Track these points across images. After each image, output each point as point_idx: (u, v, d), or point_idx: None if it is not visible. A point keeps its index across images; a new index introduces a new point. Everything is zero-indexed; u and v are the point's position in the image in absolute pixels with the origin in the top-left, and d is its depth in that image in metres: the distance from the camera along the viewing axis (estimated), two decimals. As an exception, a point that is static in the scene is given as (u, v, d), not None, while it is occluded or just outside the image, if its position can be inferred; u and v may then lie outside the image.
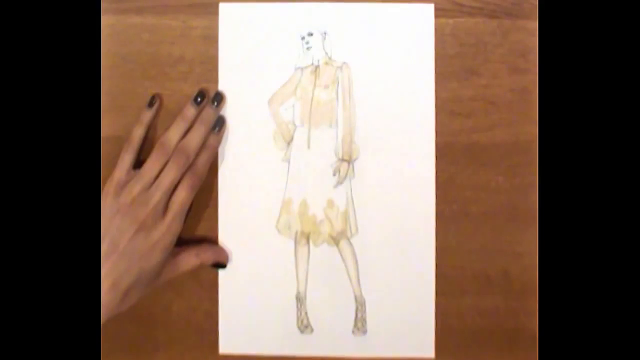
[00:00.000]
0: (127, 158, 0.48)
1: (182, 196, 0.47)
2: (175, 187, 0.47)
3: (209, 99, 0.50)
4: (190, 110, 0.49)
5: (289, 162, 0.51)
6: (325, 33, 0.51)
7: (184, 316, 0.52)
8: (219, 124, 0.50)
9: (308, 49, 0.51)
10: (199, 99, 0.50)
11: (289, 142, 0.51)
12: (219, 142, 0.50)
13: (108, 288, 0.45)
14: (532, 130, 0.50)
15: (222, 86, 0.51)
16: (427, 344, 0.51)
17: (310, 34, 0.51)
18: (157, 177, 0.47)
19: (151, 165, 0.47)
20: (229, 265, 0.51)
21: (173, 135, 0.48)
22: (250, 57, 0.51)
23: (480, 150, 0.50)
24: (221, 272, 0.51)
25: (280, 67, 0.51)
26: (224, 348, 0.51)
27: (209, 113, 0.50)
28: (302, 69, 0.51)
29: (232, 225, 0.51)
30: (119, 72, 0.51)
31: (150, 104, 0.50)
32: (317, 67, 0.51)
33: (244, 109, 0.51)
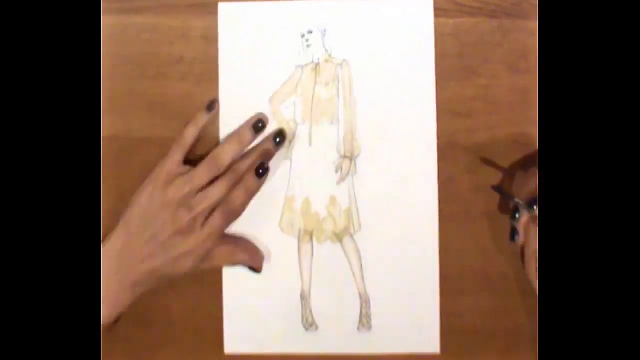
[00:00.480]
0: (178, 154, 0.48)
1: (218, 223, 0.47)
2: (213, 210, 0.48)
3: (265, 128, 0.50)
4: (247, 134, 0.49)
5: (291, 160, 0.51)
6: (325, 30, 0.51)
7: (184, 316, 0.52)
8: (263, 170, 0.49)
9: (308, 46, 0.51)
10: (259, 126, 0.50)
11: (291, 140, 0.51)
12: (259, 188, 0.49)
13: (146, 272, 0.46)
14: (532, 130, 0.50)
15: (222, 86, 0.51)
16: (432, 340, 0.51)
17: (310, 32, 0.51)
18: (204, 187, 0.47)
19: (202, 174, 0.48)
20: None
21: (228, 152, 0.49)
22: (251, 56, 0.51)
23: (480, 150, 0.50)
24: (225, 271, 0.51)
25: (281, 66, 0.51)
26: (229, 348, 0.51)
27: (268, 147, 0.50)
28: (302, 66, 0.51)
29: (235, 224, 0.51)
30: (119, 72, 0.51)
31: (210, 109, 0.50)
32: (317, 64, 0.51)
33: (245, 108, 0.51)
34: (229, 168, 0.48)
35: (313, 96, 0.51)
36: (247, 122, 0.50)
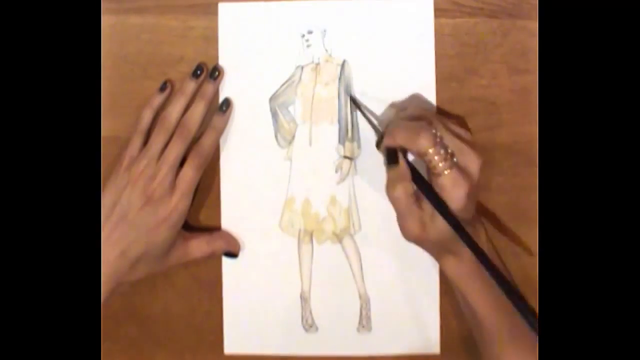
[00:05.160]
0: (137, 139, 0.49)
1: (189, 175, 0.48)
2: (182, 166, 0.48)
3: (208, 72, 0.50)
4: (190, 85, 0.50)
5: (291, 161, 0.51)
6: (325, 31, 0.51)
7: (184, 316, 0.52)
8: (225, 105, 0.50)
9: (308, 46, 0.51)
10: (198, 72, 0.50)
11: (291, 141, 0.51)
12: (225, 123, 0.50)
13: (117, 255, 0.46)
14: (532, 130, 0.50)
15: (222, 86, 0.51)
16: (432, 340, 0.51)
17: (310, 32, 0.51)
18: (162, 152, 0.48)
19: (155, 140, 0.48)
20: (232, 265, 0.51)
21: (173, 109, 0.49)
22: (251, 57, 0.51)
23: (480, 150, 0.50)
24: (225, 272, 0.51)
25: (281, 66, 0.51)
26: (229, 348, 0.51)
27: (208, 87, 0.50)
28: (302, 66, 0.51)
29: (235, 224, 0.51)
30: (119, 72, 0.51)
31: (162, 89, 0.50)
32: (317, 64, 0.51)
33: (245, 109, 0.51)
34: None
35: (313, 96, 0.51)
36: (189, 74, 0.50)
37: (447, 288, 0.50)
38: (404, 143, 0.44)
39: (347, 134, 0.51)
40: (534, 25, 0.50)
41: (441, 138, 0.44)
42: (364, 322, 0.51)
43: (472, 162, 0.44)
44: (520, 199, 0.51)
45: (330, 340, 0.51)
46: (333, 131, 0.51)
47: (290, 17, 0.51)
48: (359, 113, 0.51)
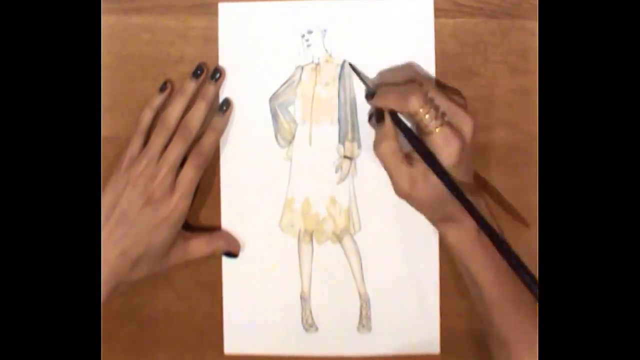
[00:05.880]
0: (137, 139, 0.49)
1: (189, 175, 0.48)
2: (182, 166, 0.48)
3: (208, 73, 0.50)
4: (190, 85, 0.50)
5: (290, 161, 0.51)
6: (325, 30, 0.51)
7: (184, 316, 0.52)
8: (225, 105, 0.50)
9: (308, 46, 0.51)
10: (198, 73, 0.50)
11: (291, 141, 0.51)
12: (225, 123, 0.50)
13: (117, 255, 0.46)
14: (532, 130, 0.50)
15: (222, 86, 0.51)
16: (432, 340, 0.51)
17: (310, 32, 0.51)
18: (162, 152, 0.48)
19: (155, 140, 0.48)
20: (232, 265, 0.51)
21: (173, 110, 0.49)
22: (250, 57, 0.51)
23: (480, 150, 0.50)
24: (225, 272, 0.51)
25: (281, 66, 0.51)
26: (228, 348, 0.51)
27: (209, 88, 0.50)
28: (302, 67, 0.51)
29: (235, 224, 0.51)
30: (119, 72, 0.51)
31: (162, 89, 0.50)
32: (317, 64, 0.51)
33: (245, 109, 0.51)
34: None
35: (313, 96, 0.51)
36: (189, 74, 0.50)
37: (447, 288, 0.50)
38: (394, 105, 0.46)
39: (347, 134, 0.51)
40: (534, 25, 0.50)
41: (432, 99, 0.45)
42: (364, 322, 0.51)
43: (464, 123, 0.45)
44: (520, 199, 0.51)
45: (330, 340, 0.51)
46: (333, 131, 0.51)
47: (290, 17, 0.51)
48: (359, 113, 0.51)
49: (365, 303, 0.51)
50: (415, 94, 0.44)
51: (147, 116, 0.50)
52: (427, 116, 0.44)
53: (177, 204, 0.47)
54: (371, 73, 0.51)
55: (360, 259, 0.51)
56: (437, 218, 0.47)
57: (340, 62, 0.51)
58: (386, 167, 0.46)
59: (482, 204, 0.47)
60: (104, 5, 0.50)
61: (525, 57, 0.50)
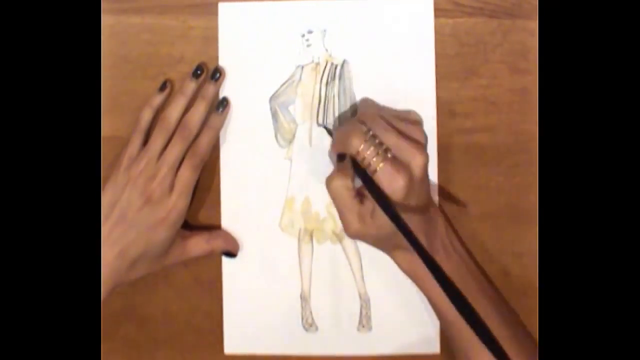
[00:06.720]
0: (136, 139, 0.49)
1: (186, 175, 0.48)
2: (179, 167, 0.48)
3: (208, 73, 0.50)
4: (190, 85, 0.50)
5: (291, 160, 0.51)
6: (325, 30, 0.51)
7: (184, 316, 0.52)
8: (223, 104, 0.50)
9: (308, 46, 0.51)
10: (198, 72, 0.50)
11: (291, 140, 0.51)
12: (222, 122, 0.50)
13: (116, 255, 0.46)
14: (532, 130, 0.50)
15: (222, 85, 0.51)
16: (432, 340, 0.51)
17: (310, 32, 0.51)
18: (162, 152, 0.48)
19: (155, 140, 0.48)
20: (232, 265, 0.51)
21: (173, 110, 0.49)
22: (251, 56, 0.51)
23: (480, 150, 0.50)
24: (225, 272, 0.51)
25: (281, 66, 0.51)
26: (229, 348, 0.51)
27: (209, 88, 0.50)
28: (302, 66, 0.51)
29: (235, 224, 0.51)
30: (119, 72, 0.51)
31: (162, 89, 0.50)
32: (317, 64, 0.51)
33: (245, 109, 0.51)
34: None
35: (313, 96, 0.51)
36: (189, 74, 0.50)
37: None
38: (340, 148, 0.45)
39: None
40: (534, 25, 0.50)
41: (374, 136, 0.44)
42: (364, 322, 0.51)
43: (412, 157, 0.44)
44: (520, 199, 0.51)
45: (330, 340, 0.51)
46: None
47: (290, 17, 0.51)
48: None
49: (365, 303, 0.51)
50: (355, 133, 0.44)
51: (146, 116, 0.50)
52: (368, 152, 0.43)
53: (176, 203, 0.47)
54: (371, 73, 0.51)
55: (360, 259, 0.51)
56: (389, 248, 0.47)
57: (341, 62, 0.51)
58: (336, 204, 0.45)
59: (440, 226, 0.47)
60: (104, 5, 0.50)
61: (525, 57, 0.50)
